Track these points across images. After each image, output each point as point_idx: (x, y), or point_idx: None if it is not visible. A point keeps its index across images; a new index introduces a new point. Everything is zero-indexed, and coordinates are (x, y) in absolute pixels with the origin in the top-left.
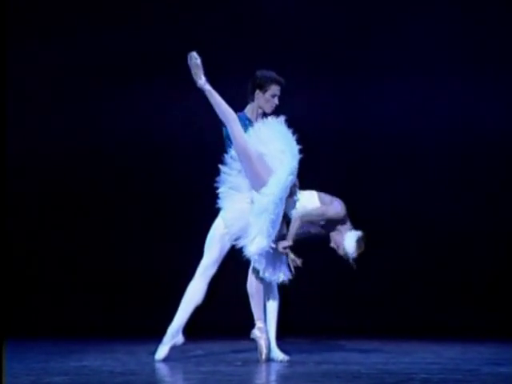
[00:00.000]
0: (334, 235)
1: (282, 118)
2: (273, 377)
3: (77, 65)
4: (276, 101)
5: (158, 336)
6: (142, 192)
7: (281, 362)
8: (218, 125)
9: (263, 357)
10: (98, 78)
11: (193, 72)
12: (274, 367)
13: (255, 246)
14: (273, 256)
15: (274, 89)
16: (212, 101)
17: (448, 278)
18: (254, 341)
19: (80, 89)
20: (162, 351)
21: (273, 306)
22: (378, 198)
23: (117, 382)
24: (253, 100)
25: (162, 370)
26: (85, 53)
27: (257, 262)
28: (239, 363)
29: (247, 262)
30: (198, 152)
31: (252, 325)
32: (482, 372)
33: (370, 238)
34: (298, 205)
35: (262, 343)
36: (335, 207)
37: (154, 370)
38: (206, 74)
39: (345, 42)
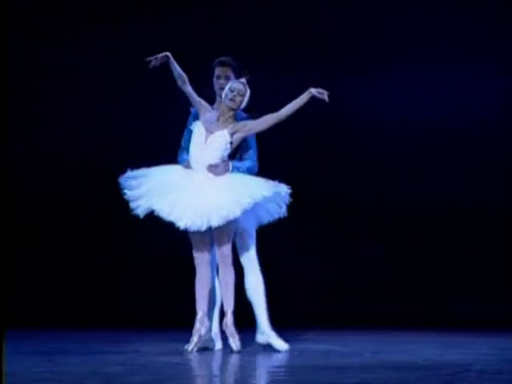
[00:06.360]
0: None
1: None
2: (323, 366)
3: (77, 66)
4: (221, 81)
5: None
6: None
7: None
8: None
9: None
10: (98, 80)
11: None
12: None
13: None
14: None
15: (217, 70)
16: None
17: (501, 268)
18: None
19: (80, 90)
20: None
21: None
22: (398, 187)
23: (173, 373)
24: None
25: (219, 361)
26: (84, 53)
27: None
28: (296, 353)
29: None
30: None
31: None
32: None
33: (418, 225)
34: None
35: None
36: None
37: (211, 361)
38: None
39: (354, 37)
